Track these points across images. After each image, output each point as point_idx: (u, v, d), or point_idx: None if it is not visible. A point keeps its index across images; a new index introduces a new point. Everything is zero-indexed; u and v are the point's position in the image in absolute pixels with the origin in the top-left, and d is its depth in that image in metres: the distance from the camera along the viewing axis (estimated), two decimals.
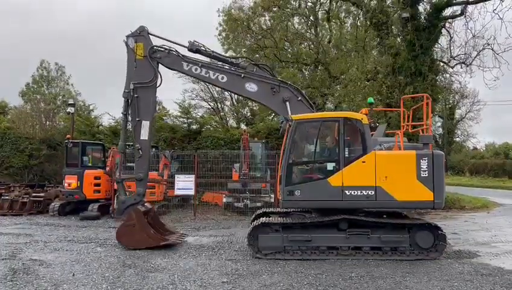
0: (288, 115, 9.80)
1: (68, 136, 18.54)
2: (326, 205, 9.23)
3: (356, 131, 9.24)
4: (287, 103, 10.66)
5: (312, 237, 9.14)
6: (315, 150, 9.74)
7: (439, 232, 9.07)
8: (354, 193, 8.96)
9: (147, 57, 10.84)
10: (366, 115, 9.59)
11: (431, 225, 9.16)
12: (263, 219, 9.51)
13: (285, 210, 10.24)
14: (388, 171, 8.94)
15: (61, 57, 75.15)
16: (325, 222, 9.18)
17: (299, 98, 10.83)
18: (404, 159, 9.05)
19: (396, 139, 9.56)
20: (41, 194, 17.31)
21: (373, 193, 8.92)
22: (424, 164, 8.90)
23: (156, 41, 11.07)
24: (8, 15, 66.60)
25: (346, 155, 9.10)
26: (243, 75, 10.89)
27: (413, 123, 10.40)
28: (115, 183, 12.85)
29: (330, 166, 9.24)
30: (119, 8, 75.04)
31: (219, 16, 30.60)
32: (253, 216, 10.73)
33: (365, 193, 8.94)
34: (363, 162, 9.00)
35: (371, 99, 13.40)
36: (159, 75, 10.98)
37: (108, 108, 63.72)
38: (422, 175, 8.90)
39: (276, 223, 9.31)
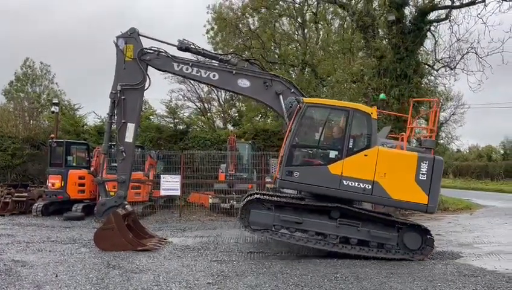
0: (299, 97, 9.85)
1: (52, 135, 18.30)
2: (321, 191, 9.27)
3: (364, 124, 9.34)
4: (280, 96, 10.70)
5: (303, 220, 9.23)
6: (320, 135, 9.81)
7: (428, 236, 9.19)
8: (352, 184, 9.05)
9: (136, 59, 10.76)
10: (377, 110, 9.66)
11: (421, 228, 9.28)
12: (258, 195, 9.56)
13: (278, 194, 10.28)
14: (388, 169, 9.04)
15: (50, 57, 73.91)
16: (318, 207, 9.28)
17: (292, 90, 10.87)
18: (406, 159, 9.16)
19: (400, 140, 9.66)
20: (24, 194, 17.03)
21: (370, 187, 9.02)
22: (424, 167, 9.00)
23: (147, 42, 10.99)
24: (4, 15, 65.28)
25: (350, 146, 9.20)
26: (234, 72, 10.87)
27: (418, 126, 10.52)
28: None
29: (332, 154, 9.33)
30: (110, 11, 74.16)
31: (208, 12, 30.62)
32: (246, 195, 10.73)
33: (362, 186, 9.04)
34: (366, 155, 9.10)
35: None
36: (148, 78, 10.91)
37: (96, 108, 63.07)
38: (420, 178, 9.00)
39: (270, 201, 9.41)
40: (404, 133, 9.85)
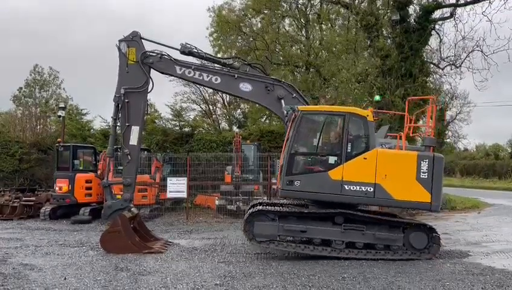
0: (294, 106, 9.85)
1: (59, 139, 18.40)
2: (324, 198, 9.24)
3: (360, 127, 9.33)
4: (282, 101, 10.72)
5: (307, 229, 9.18)
6: (318, 142, 9.84)
7: (434, 234, 9.14)
8: (353, 188, 9.03)
9: (138, 63, 10.80)
10: (373, 113, 9.63)
11: (425, 226, 9.23)
12: (260, 207, 9.54)
13: (281, 202, 10.27)
14: (388, 170, 9.01)
15: (64, 69, 74.53)
16: (321, 215, 9.24)
17: (294, 95, 10.89)
18: (405, 159, 9.12)
19: (398, 140, 9.63)
20: (32, 199, 17.16)
21: (372, 189, 8.99)
22: (424, 166, 8.96)
23: (149, 46, 11.03)
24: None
25: (349, 150, 9.17)
26: (236, 76, 10.91)
27: (415, 125, 10.49)
28: None
29: (332, 160, 9.30)
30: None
31: (210, 16, 30.62)
32: (249, 206, 10.72)
33: (364, 189, 9.01)
34: (365, 158, 9.07)
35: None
36: (151, 81, 10.95)
37: (103, 112, 63.30)
38: (421, 176, 8.95)
39: (273, 212, 9.36)
40: (402, 133, 9.81)
